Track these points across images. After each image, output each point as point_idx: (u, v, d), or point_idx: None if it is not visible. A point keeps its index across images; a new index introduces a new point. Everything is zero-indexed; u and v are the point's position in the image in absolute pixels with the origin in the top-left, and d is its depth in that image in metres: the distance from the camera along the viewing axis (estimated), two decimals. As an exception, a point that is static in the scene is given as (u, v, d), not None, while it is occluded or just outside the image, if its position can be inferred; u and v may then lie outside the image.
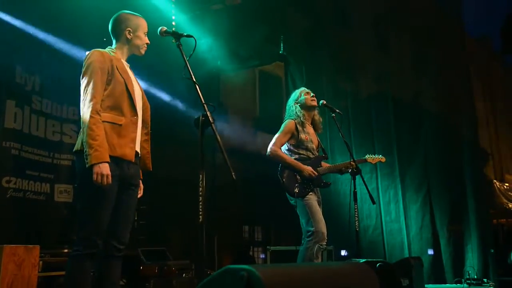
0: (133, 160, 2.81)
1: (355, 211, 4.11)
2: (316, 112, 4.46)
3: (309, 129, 4.36)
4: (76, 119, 6.02)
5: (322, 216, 4.04)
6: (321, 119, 4.50)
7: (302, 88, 4.48)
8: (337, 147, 6.47)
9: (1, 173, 5.31)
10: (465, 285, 4.87)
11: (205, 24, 7.09)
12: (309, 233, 3.95)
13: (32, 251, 3.71)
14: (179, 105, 7.51)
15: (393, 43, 6.48)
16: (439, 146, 6.00)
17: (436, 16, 6.22)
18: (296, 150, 4.24)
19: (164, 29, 2.76)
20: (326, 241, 3.99)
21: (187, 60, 2.63)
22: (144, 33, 2.98)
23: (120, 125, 2.72)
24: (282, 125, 4.30)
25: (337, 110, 4.34)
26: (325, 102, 4.39)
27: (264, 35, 7.14)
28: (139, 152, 2.91)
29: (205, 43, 6.95)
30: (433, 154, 6.00)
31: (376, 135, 6.38)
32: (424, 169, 6.02)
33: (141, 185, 3.04)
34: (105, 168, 2.55)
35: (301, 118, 4.28)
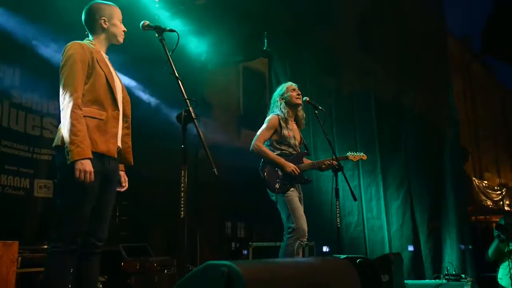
0: (116, 156, 2.77)
1: (337, 208, 4.12)
2: (300, 108, 4.46)
3: (292, 125, 4.36)
4: (57, 114, 5.93)
5: (303, 213, 4.05)
6: (304, 115, 4.50)
7: (289, 83, 4.45)
8: (320, 144, 6.50)
9: (-21, 168, 5.21)
10: (443, 280, 4.94)
11: (188, 19, 7.05)
12: (290, 230, 3.96)
13: (10, 247, 3.65)
14: (161, 100, 7.46)
15: (376, 42, 6.54)
16: (420, 144, 6.07)
17: (418, 16, 6.27)
18: (278, 146, 4.24)
19: (147, 23, 2.73)
20: (306, 237, 4.00)
21: (170, 55, 2.61)
22: (119, 20, 2.91)
23: (102, 119, 2.66)
24: (266, 120, 4.29)
25: (320, 107, 4.35)
26: (308, 99, 4.38)
27: (248, 31, 7.13)
28: (120, 147, 2.86)
29: (188, 38, 6.92)
30: (414, 152, 6.07)
31: (358, 132, 6.43)
32: (405, 167, 6.08)
33: (125, 177, 3.01)
34: (88, 165, 2.49)
35: (285, 114, 4.27)
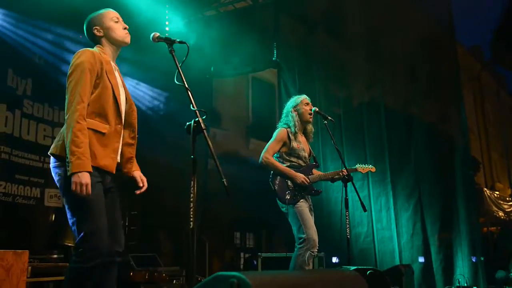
0: (114, 172, 2.66)
1: (347, 219, 4.11)
2: (310, 124, 4.48)
3: (301, 137, 4.39)
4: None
5: (313, 223, 4.05)
6: (313, 129, 4.51)
7: (304, 97, 4.45)
8: (329, 154, 6.49)
9: (-10, 177, 5.26)
10: (455, 293, 4.89)
11: (198, 30, 7.11)
12: (301, 240, 3.96)
13: (21, 256, 3.66)
14: (171, 111, 7.51)
15: (385, 52, 6.53)
16: (430, 154, 6.03)
17: (428, 26, 6.27)
18: (288, 158, 4.26)
19: (157, 34, 2.73)
20: (317, 248, 3.99)
21: (180, 66, 2.62)
22: (114, 21, 2.82)
23: (104, 133, 2.58)
24: (275, 133, 4.32)
25: (329, 117, 4.36)
26: (317, 109, 4.40)
27: (257, 42, 7.16)
28: (119, 161, 2.76)
29: (198, 49, 6.97)
30: (424, 162, 6.03)
31: (368, 142, 6.40)
32: (415, 177, 6.04)
33: (142, 177, 2.86)
34: (85, 177, 2.39)
35: (295, 127, 4.29)
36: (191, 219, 2.35)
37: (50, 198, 5.97)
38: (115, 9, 2.93)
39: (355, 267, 3.27)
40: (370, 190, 6.22)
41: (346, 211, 4.12)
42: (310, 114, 4.37)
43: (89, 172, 2.42)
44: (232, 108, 10.19)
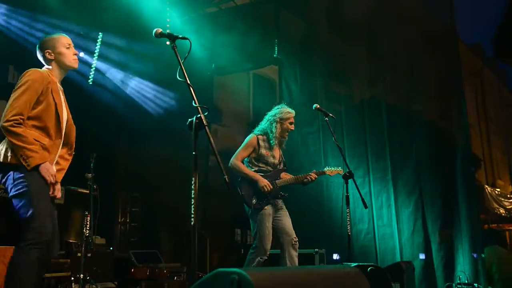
0: None
1: (347, 215, 4.12)
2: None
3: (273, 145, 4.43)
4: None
5: (269, 232, 4.13)
6: (286, 139, 4.52)
7: (293, 114, 4.47)
8: (330, 151, 6.49)
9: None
10: (456, 290, 4.89)
11: (200, 27, 7.10)
12: (254, 246, 4.14)
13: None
14: (171, 107, 7.50)
15: (386, 49, 6.51)
16: (431, 151, 6.03)
17: (429, 23, 6.25)
18: (256, 163, 4.36)
19: (160, 30, 2.74)
20: (267, 256, 4.11)
21: (182, 63, 2.62)
22: (66, 47, 3.02)
23: (44, 144, 2.81)
24: (246, 139, 4.42)
25: (330, 114, 4.37)
26: (318, 106, 4.40)
27: (258, 39, 7.16)
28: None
29: (200, 45, 6.96)
30: (425, 159, 6.03)
31: (369, 139, 6.40)
32: (416, 174, 6.04)
33: (59, 187, 3.05)
34: (50, 167, 2.75)
35: (269, 135, 4.37)
36: (193, 216, 2.36)
37: (51, 195, 5.96)
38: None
39: (356, 264, 3.27)
40: (371, 187, 6.22)
41: (347, 208, 4.13)
42: (288, 132, 4.44)
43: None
44: (233, 104, 10.17)
